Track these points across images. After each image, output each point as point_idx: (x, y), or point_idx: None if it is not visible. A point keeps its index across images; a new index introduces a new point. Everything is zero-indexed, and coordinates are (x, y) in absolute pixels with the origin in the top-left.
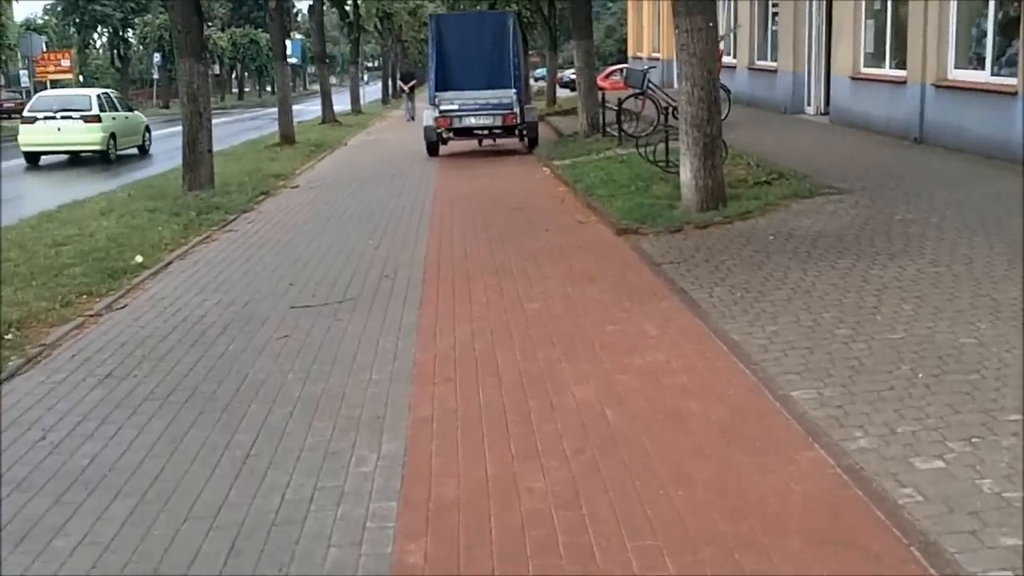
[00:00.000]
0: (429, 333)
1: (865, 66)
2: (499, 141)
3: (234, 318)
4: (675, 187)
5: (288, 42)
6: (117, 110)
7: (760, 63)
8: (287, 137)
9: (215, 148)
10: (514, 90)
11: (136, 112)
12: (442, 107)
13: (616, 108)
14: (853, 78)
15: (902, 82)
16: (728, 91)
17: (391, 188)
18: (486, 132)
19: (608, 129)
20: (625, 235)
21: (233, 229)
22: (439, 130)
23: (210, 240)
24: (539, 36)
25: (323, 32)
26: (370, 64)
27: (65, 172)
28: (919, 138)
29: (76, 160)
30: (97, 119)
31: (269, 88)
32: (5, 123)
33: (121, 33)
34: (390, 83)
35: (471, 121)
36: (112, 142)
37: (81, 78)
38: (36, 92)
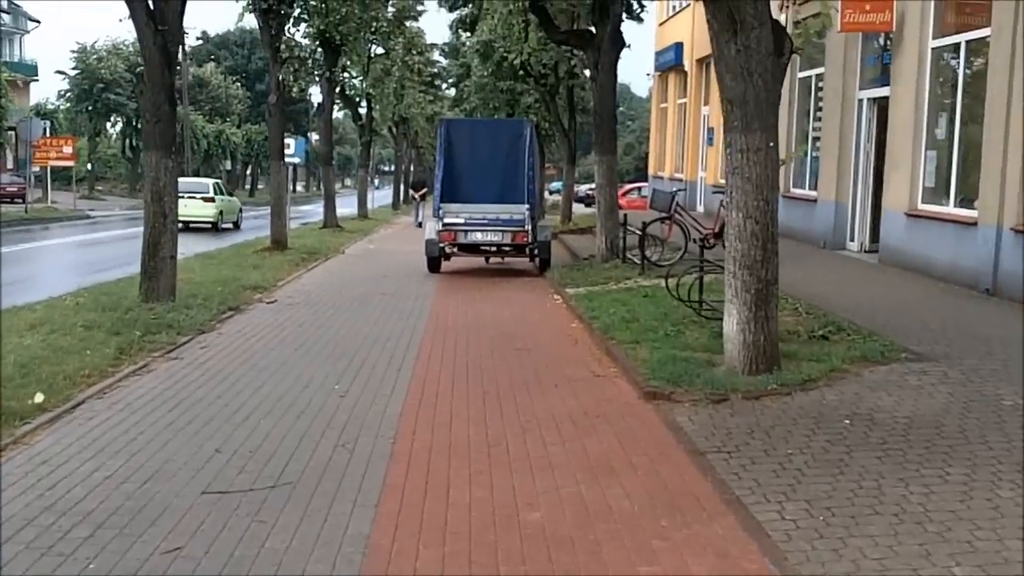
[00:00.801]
0: (381, 558)
1: (924, 202)
2: (508, 259)
3: (120, 507)
4: (713, 335)
5: (291, 140)
6: (223, 195)
7: (796, 191)
8: (278, 242)
9: (202, 249)
10: (527, 205)
11: (234, 197)
12: (447, 219)
13: (639, 232)
14: (909, 214)
15: (971, 223)
16: None
17: (380, 311)
18: (494, 249)
19: (629, 255)
20: (654, 400)
21: (179, 356)
22: (442, 244)
23: (145, 371)
24: (556, 149)
25: (331, 132)
26: (385, 168)
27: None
28: (991, 289)
29: (190, 228)
30: (212, 200)
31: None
32: (7, 207)
33: (134, 123)
34: (402, 188)
35: (478, 237)
36: (220, 217)
37: (90, 166)
38: (34, 178)
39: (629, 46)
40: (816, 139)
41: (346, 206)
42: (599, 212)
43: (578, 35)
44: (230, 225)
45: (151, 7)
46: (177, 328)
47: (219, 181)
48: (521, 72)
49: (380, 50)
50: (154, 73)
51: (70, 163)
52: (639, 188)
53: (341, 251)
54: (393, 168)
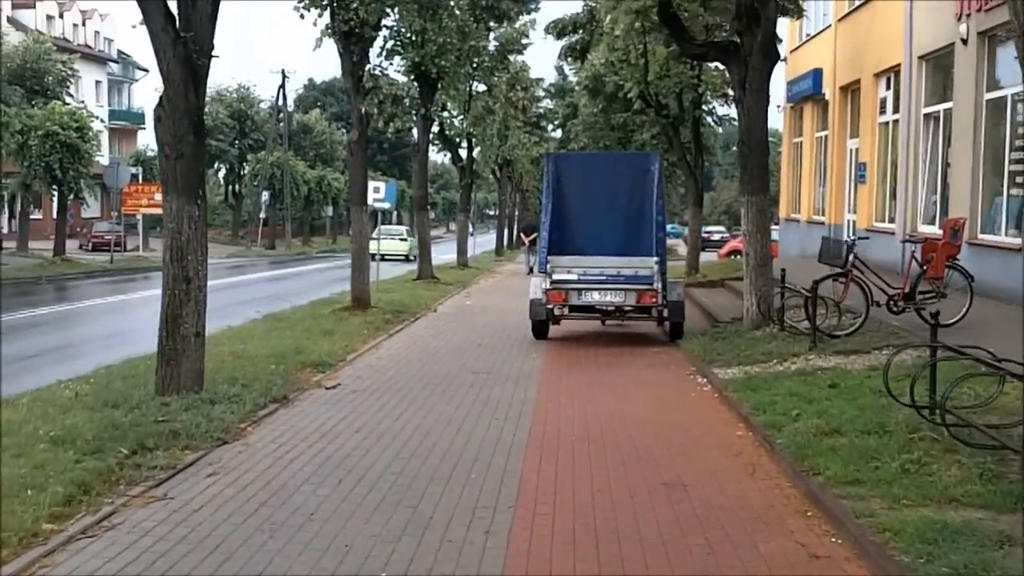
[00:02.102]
0: None
1: None
2: (628, 321)
3: None
4: (983, 474)
5: (381, 184)
6: (412, 237)
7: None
8: (359, 300)
9: (273, 307)
10: (655, 258)
11: (413, 237)
12: (556, 276)
13: (804, 292)
14: None
15: None
16: (969, 277)
17: (468, 403)
18: (612, 309)
19: (788, 320)
20: None
21: (168, 495)
22: (550, 306)
23: (102, 528)
24: (672, 190)
25: (426, 174)
26: (491, 212)
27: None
28: None
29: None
30: (405, 240)
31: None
32: (96, 256)
33: (238, 170)
34: (505, 234)
35: (595, 297)
36: (410, 251)
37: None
38: (122, 225)
39: (785, 59)
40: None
41: (447, 252)
42: (748, 265)
43: (720, 47)
44: (414, 257)
45: (169, 10)
46: (187, 438)
47: (407, 228)
48: (638, 104)
49: (482, 87)
50: (175, 93)
51: (159, 211)
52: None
53: (433, 308)
54: (496, 212)
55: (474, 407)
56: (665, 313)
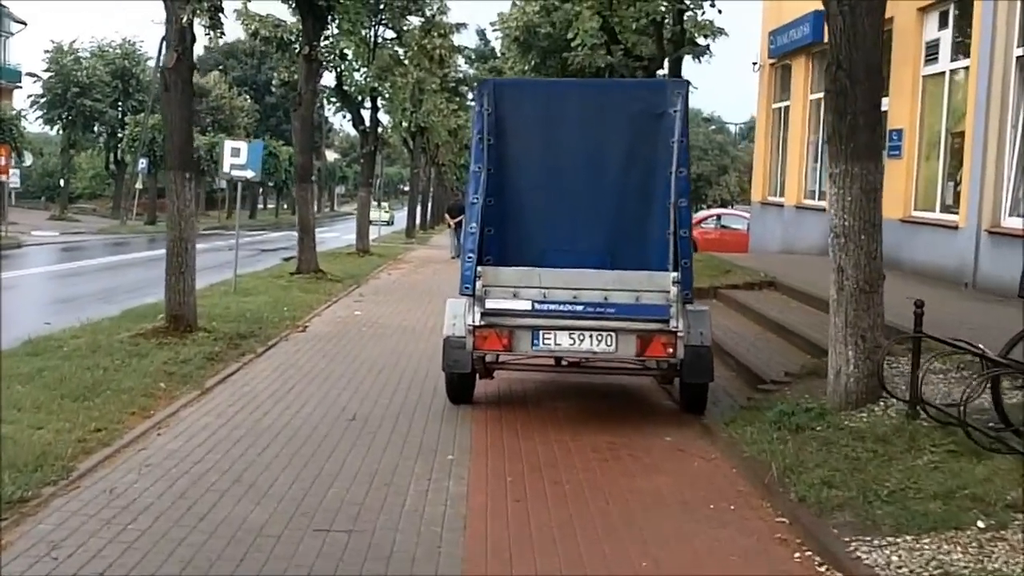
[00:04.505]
0: None
1: None
2: (599, 369)
3: None
4: None
5: (243, 144)
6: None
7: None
8: (178, 319)
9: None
10: (675, 273)
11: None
12: (492, 302)
13: (986, 355)
14: None
15: None
16: None
17: None
18: (590, 362)
19: (926, 400)
20: None
21: None
22: (479, 353)
23: None
24: None
25: (311, 133)
26: (405, 188)
27: None
28: None
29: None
30: (387, 211)
31: (286, 207)
32: None
33: (119, 134)
34: (418, 212)
35: (561, 343)
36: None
37: (62, 182)
38: None
39: None
40: None
41: (347, 234)
42: (839, 290)
43: None
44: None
45: None
46: None
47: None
48: (597, 38)
49: (390, 33)
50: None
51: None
52: (718, 217)
53: (301, 326)
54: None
55: None
56: (683, 371)
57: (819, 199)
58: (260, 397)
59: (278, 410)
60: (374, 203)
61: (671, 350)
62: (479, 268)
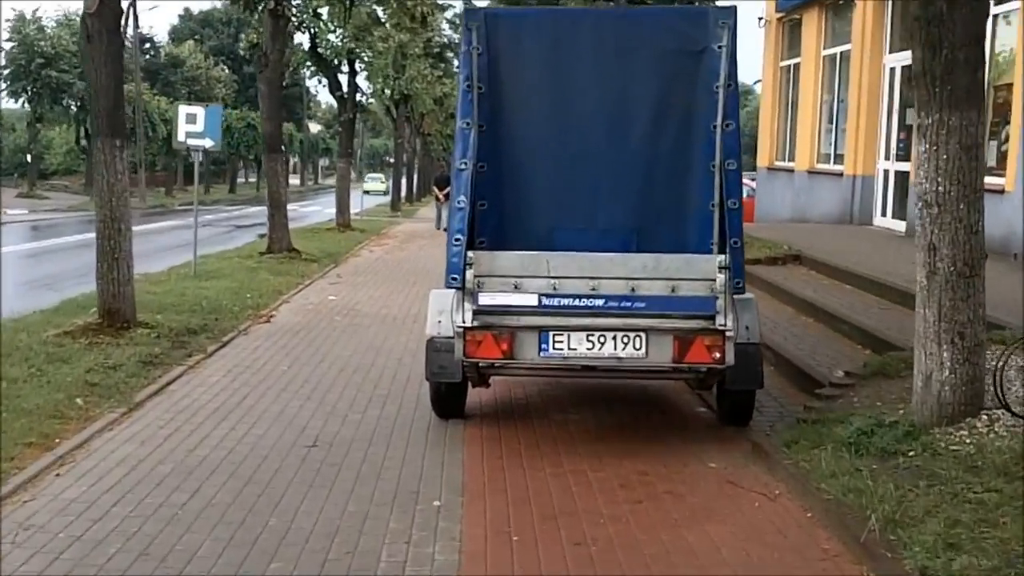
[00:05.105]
0: None
1: None
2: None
3: None
4: None
5: (200, 109)
6: (385, 180)
7: None
8: (114, 314)
9: None
10: (721, 256)
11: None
12: (487, 298)
13: None
14: None
15: None
16: None
17: None
18: (615, 368)
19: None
20: None
21: None
22: (472, 360)
23: None
24: None
25: (279, 98)
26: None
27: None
28: None
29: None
30: (382, 182)
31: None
32: None
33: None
34: (403, 185)
35: (578, 347)
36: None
37: (29, 157)
38: None
39: None
40: None
41: (328, 208)
42: (929, 273)
43: None
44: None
45: None
46: None
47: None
48: None
49: None
50: None
51: None
52: None
53: (266, 316)
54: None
55: None
56: (727, 376)
57: (834, 163)
58: (201, 415)
59: (220, 433)
60: (370, 173)
61: (718, 354)
62: (470, 253)
